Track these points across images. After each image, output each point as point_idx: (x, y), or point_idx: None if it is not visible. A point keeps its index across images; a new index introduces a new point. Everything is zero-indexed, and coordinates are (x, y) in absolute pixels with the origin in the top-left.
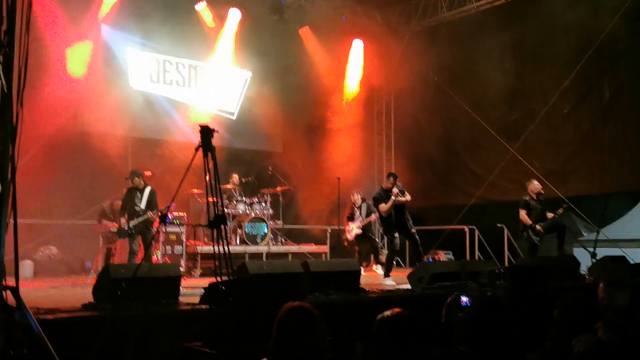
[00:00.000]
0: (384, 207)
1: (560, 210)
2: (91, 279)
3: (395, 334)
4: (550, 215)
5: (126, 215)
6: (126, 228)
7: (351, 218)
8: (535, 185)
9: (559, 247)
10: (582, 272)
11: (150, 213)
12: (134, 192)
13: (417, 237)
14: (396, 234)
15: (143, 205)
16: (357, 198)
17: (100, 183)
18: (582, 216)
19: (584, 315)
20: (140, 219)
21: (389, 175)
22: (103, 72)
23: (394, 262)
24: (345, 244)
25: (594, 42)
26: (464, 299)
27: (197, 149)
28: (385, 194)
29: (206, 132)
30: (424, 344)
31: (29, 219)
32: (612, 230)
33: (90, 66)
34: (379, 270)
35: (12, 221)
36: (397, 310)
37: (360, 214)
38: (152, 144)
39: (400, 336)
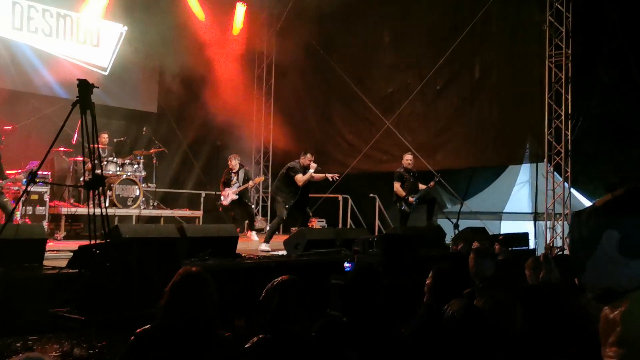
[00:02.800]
0: (301, 177)
1: (432, 184)
2: None
3: (283, 300)
4: (422, 187)
5: None
6: None
7: (227, 184)
8: (408, 158)
9: (427, 217)
10: (446, 242)
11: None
12: None
13: (307, 209)
14: (287, 206)
15: None
16: (234, 163)
17: None
18: (448, 189)
19: (453, 284)
20: (4, 181)
21: (308, 152)
22: None
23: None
24: (220, 209)
25: (469, 22)
26: (347, 264)
27: (74, 105)
28: (302, 168)
29: (85, 86)
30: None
31: None
32: (473, 203)
33: None
34: (254, 236)
35: None
36: (285, 277)
37: (238, 179)
38: (14, 97)
39: (288, 302)
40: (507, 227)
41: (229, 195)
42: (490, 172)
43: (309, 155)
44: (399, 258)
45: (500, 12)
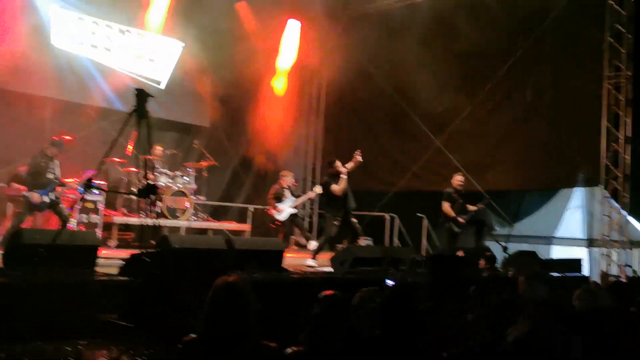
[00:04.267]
0: (336, 187)
1: (482, 205)
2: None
3: (322, 315)
4: (471, 207)
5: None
6: (46, 200)
7: (279, 199)
8: (459, 178)
9: (477, 239)
10: (496, 265)
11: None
12: (48, 161)
13: (358, 226)
14: (336, 222)
15: (55, 176)
16: (288, 179)
17: (15, 144)
18: (498, 211)
19: (510, 311)
20: (63, 188)
21: (333, 161)
22: (24, 28)
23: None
24: (274, 225)
25: (522, 41)
26: (389, 282)
27: (130, 114)
28: (333, 178)
29: (142, 95)
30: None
31: None
32: (523, 226)
33: (11, 20)
34: (312, 245)
35: None
36: (328, 292)
37: (291, 195)
38: (73, 108)
39: (327, 317)
40: (559, 252)
41: (284, 210)
42: (542, 195)
43: (336, 163)
44: (447, 279)
45: (555, 31)
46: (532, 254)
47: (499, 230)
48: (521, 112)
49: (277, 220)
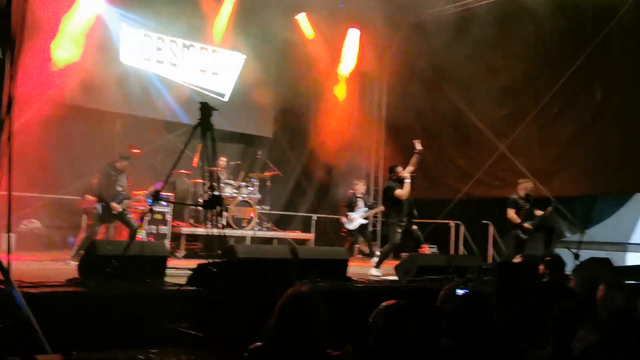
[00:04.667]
0: (400, 191)
1: (549, 210)
2: (74, 255)
3: (387, 325)
4: (538, 213)
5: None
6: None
7: (350, 208)
8: (527, 184)
9: (545, 246)
10: (567, 273)
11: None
12: (117, 174)
13: (419, 233)
14: (400, 229)
15: (123, 188)
16: (360, 187)
17: (86, 158)
18: (568, 216)
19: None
20: (130, 201)
21: (395, 166)
22: (94, 45)
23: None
24: (343, 233)
25: (589, 44)
26: (460, 292)
27: (195, 127)
28: (396, 183)
29: (206, 109)
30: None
31: (13, 191)
32: (595, 232)
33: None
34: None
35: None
36: (391, 301)
37: (364, 204)
38: (141, 122)
39: (393, 327)
40: (635, 259)
41: (355, 219)
42: (614, 200)
43: (398, 168)
44: (515, 287)
45: (624, 32)
46: (605, 261)
47: (569, 236)
48: (589, 115)
49: (345, 228)
